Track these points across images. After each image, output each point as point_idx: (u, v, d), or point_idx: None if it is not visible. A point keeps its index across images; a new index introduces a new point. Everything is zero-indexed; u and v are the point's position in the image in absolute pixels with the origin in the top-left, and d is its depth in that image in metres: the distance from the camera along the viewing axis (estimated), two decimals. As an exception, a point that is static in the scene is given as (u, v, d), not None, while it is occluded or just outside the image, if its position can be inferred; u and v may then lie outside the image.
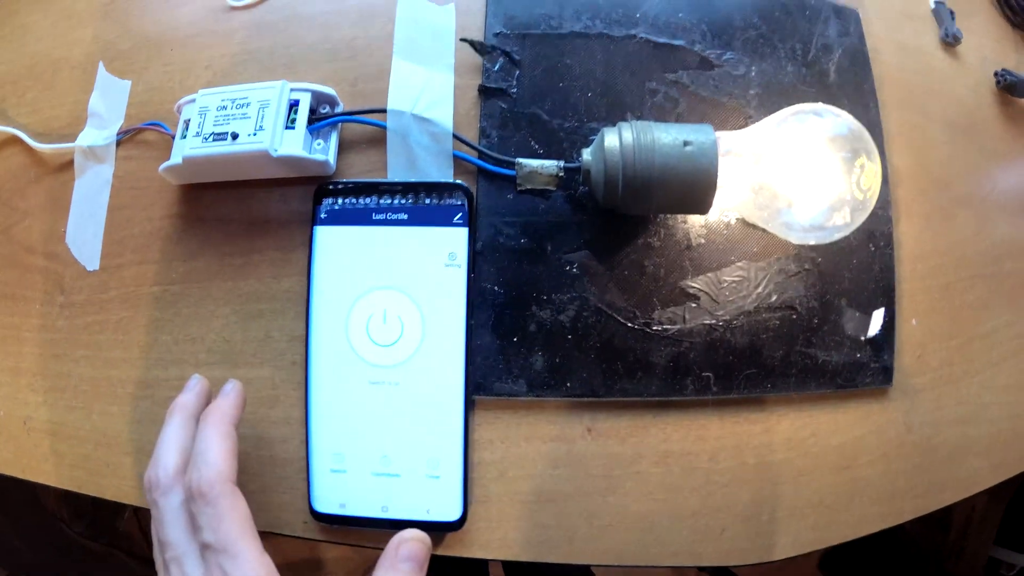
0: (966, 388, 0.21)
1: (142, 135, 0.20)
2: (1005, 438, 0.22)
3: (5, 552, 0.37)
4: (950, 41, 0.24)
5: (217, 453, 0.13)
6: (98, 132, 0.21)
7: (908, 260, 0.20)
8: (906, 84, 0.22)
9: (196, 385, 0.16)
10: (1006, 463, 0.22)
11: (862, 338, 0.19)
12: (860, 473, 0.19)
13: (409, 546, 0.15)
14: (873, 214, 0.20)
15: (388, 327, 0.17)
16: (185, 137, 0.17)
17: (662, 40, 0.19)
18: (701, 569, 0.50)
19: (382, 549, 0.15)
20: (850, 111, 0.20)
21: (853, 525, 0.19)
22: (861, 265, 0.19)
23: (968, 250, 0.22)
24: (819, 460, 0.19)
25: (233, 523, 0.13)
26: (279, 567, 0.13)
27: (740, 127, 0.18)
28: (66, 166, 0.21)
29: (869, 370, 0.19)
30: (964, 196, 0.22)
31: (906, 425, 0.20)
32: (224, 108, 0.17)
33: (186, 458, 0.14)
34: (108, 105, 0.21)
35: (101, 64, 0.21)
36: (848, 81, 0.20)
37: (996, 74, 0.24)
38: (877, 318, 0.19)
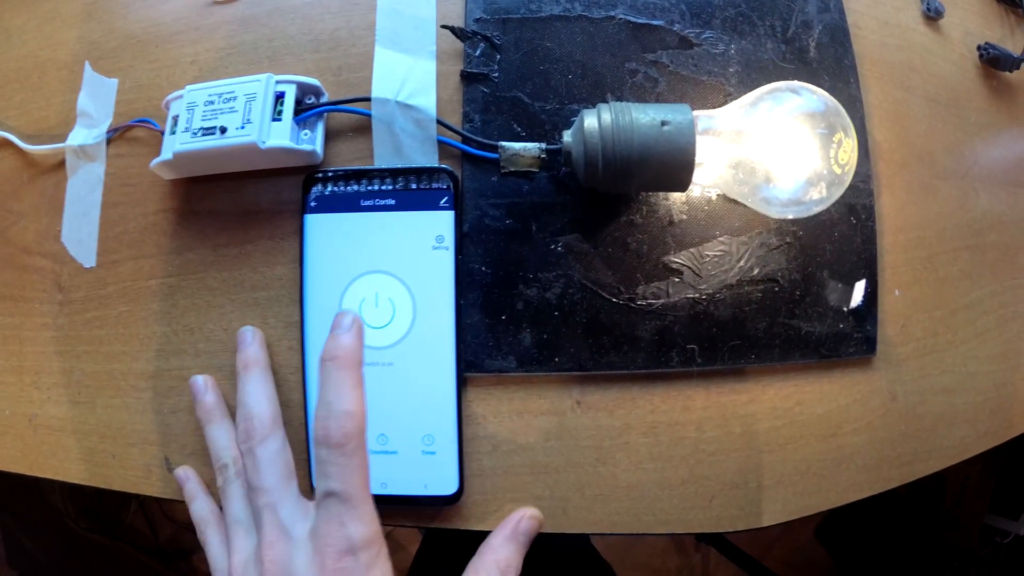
0: (951, 357, 0.22)
1: (132, 132, 0.21)
2: (991, 406, 0.23)
3: (14, 552, 0.39)
4: (932, 15, 0.24)
5: (354, 401, 0.14)
6: (88, 131, 0.21)
7: (890, 232, 0.21)
8: (887, 59, 0.23)
9: (256, 337, 0.17)
10: (992, 431, 0.23)
11: (845, 309, 0.20)
12: (846, 441, 0.20)
13: (528, 523, 0.16)
14: (854, 187, 0.21)
15: (380, 310, 0.17)
16: (174, 133, 0.18)
17: (641, 20, 0.20)
18: (698, 538, 0.52)
19: (387, 525, 0.16)
20: (831, 87, 0.21)
21: (840, 492, 0.20)
22: (843, 238, 0.20)
23: (951, 222, 0.23)
24: (805, 429, 0.20)
25: (364, 476, 0.14)
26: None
27: (720, 105, 0.19)
28: (58, 166, 0.22)
29: (852, 340, 0.20)
30: (947, 169, 0.23)
31: (891, 394, 0.21)
32: (211, 103, 0.18)
33: (275, 407, 0.15)
34: (96, 104, 0.21)
35: (87, 64, 0.22)
36: (828, 57, 0.21)
37: (979, 48, 0.25)
38: (859, 289, 0.20)
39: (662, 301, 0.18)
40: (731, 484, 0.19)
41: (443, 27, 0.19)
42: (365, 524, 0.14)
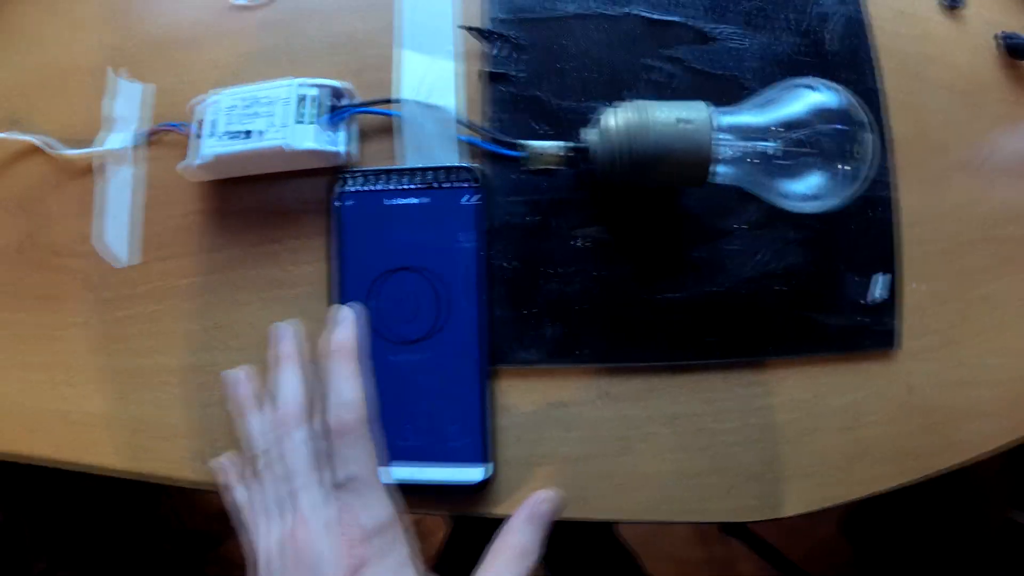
0: (968, 351, 0.22)
1: (159, 136, 0.22)
2: (1009, 400, 0.23)
3: (45, 542, 0.40)
4: (950, 5, 0.24)
5: (352, 391, 0.15)
6: (115, 136, 0.22)
7: (908, 225, 0.22)
8: (904, 50, 0.23)
9: (288, 332, 0.18)
10: (1011, 425, 0.23)
11: (862, 302, 0.20)
12: (864, 433, 0.21)
13: (546, 505, 0.17)
14: (873, 181, 0.21)
15: (408, 305, 0.18)
16: (202, 137, 0.19)
17: (658, 16, 0.20)
18: (722, 529, 0.52)
19: (412, 513, 0.17)
20: (848, 79, 0.21)
21: (859, 484, 0.21)
22: (860, 231, 0.21)
23: (969, 214, 0.23)
24: (822, 421, 0.20)
25: (369, 463, 0.14)
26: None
27: (737, 99, 0.19)
28: (86, 170, 0.23)
29: (870, 333, 0.20)
30: (964, 160, 0.23)
31: (908, 387, 0.21)
32: (239, 107, 0.19)
33: (308, 398, 0.16)
34: (123, 109, 0.22)
35: (110, 70, 0.23)
36: (846, 49, 0.22)
37: (997, 36, 0.25)
38: (877, 282, 0.21)
39: (681, 294, 0.19)
40: (750, 475, 0.20)
41: (462, 27, 0.20)
42: (376, 511, 0.14)
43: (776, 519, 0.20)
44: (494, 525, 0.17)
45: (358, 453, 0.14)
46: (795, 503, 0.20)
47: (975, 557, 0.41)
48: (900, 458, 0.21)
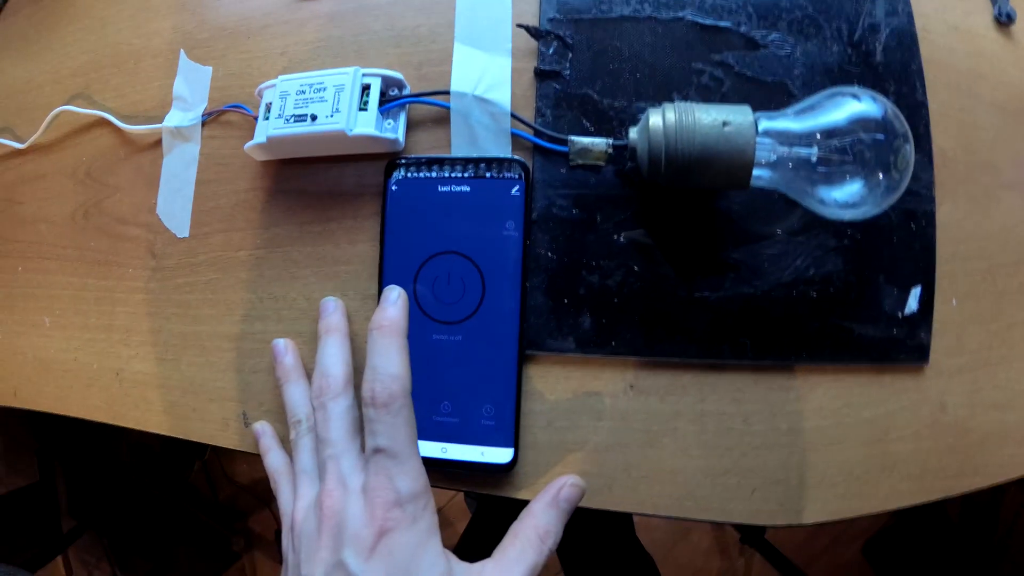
0: (1004, 373, 0.22)
1: (225, 116, 0.23)
2: (1045, 426, 0.23)
3: (76, 500, 0.42)
4: (1004, 20, 0.24)
5: (399, 365, 0.15)
6: (183, 114, 0.24)
7: (951, 241, 0.22)
8: (955, 66, 0.23)
9: (338, 306, 0.19)
10: (1045, 452, 0.23)
11: (899, 315, 0.20)
12: (891, 448, 0.21)
13: (569, 491, 0.17)
14: (916, 194, 0.21)
15: (451, 287, 0.19)
16: (268, 119, 0.20)
17: (708, 22, 0.21)
18: (742, 540, 0.51)
19: (441, 488, 0.18)
20: (896, 92, 0.21)
21: (882, 498, 0.21)
22: (901, 243, 0.21)
23: (1014, 235, 0.23)
24: (850, 431, 0.20)
25: (409, 433, 0.15)
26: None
27: (783, 106, 0.20)
28: (154, 145, 0.24)
29: (905, 347, 0.20)
30: (1012, 181, 0.23)
31: (940, 405, 0.21)
32: (303, 92, 0.20)
33: (349, 370, 0.17)
34: (191, 89, 0.24)
35: (182, 51, 0.25)
36: (895, 61, 0.22)
37: (1054, 55, 0.24)
38: (915, 296, 0.21)
39: (718, 294, 0.19)
40: (773, 479, 0.20)
41: (518, 26, 0.21)
42: (412, 479, 0.15)
43: (796, 525, 0.20)
44: (515, 514, 0.18)
45: (399, 423, 0.15)
46: (816, 511, 0.20)
47: None
48: (926, 476, 0.21)
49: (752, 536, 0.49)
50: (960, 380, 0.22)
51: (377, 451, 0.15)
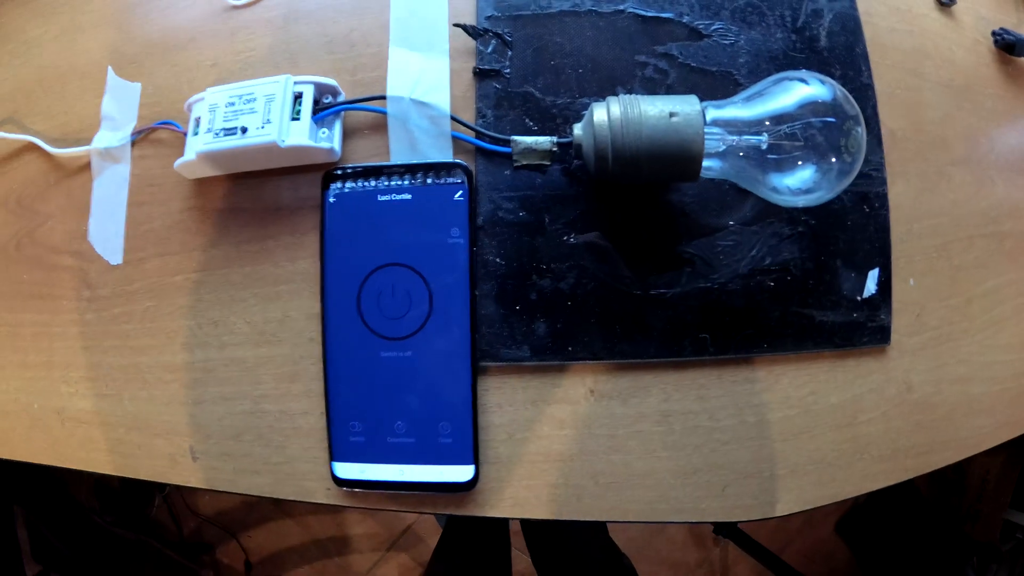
0: (967, 347, 0.22)
1: (155, 134, 0.22)
2: (1009, 396, 0.23)
3: (39, 545, 0.40)
4: (945, 1, 0.24)
5: None
6: (112, 134, 0.22)
7: (904, 221, 0.21)
8: (899, 46, 0.23)
9: None
10: (1010, 421, 0.23)
11: (858, 298, 0.20)
12: (861, 431, 0.20)
13: None
14: (867, 176, 0.21)
15: (397, 301, 0.18)
16: (197, 134, 0.19)
17: (650, 13, 0.20)
18: (716, 532, 0.52)
19: (401, 511, 0.17)
20: (842, 76, 0.21)
21: (856, 482, 0.20)
22: (855, 226, 0.20)
23: (966, 210, 0.23)
24: (818, 418, 0.20)
25: None
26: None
27: (730, 95, 0.19)
28: (83, 168, 0.23)
29: (866, 329, 0.20)
30: (961, 157, 0.23)
31: (906, 384, 0.21)
32: (232, 104, 0.19)
33: None
34: (120, 108, 0.22)
35: (110, 69, 0.23)
36: (839, 45, 0.21)
37: (994, 33, 0.25)
38: (873, 278, 0.20)
39: (674, 290, 0.19)
40: (745, 473, 0.19)
41: (455, 25, 0.20)
42: None
43: (771, 518, 0.20)
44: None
45: None
46: (791, 502, 0.20)
47: (972, 557, 0.40)
48: (897, 456, 0.21)
49: (725, 526, 0.49)
50: (923, 357, 0.21)
51: None
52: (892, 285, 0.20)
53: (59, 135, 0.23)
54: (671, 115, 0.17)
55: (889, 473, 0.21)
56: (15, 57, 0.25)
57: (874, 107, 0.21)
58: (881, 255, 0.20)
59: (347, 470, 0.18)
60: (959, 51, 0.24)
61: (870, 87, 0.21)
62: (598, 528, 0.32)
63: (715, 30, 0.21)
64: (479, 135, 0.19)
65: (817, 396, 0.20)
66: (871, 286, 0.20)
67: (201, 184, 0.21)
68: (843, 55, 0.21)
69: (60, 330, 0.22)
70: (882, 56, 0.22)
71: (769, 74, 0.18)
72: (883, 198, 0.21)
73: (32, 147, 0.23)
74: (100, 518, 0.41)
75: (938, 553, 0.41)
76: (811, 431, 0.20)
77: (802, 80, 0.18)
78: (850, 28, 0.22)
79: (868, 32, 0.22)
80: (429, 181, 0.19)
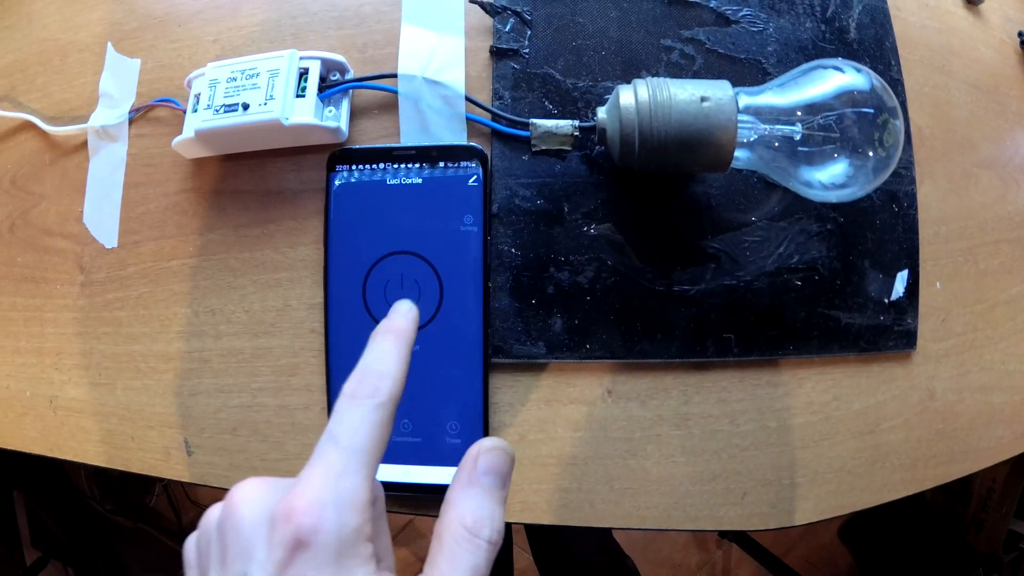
0: (990, 354, 0.20)
1: (154, 112, 0.20)
2: (1030, 405, 0.21)
3: (38, 532, 0.38)
4: (973, 0, 0.23)
5: (392, 365, 0.12)
6: (110, 112, 0.20)
7: (931, 223, 0.20)
8: (928, 42, 0.21)
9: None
10: (1030, 431, 0.21)
11: (886, 301, 0.18)
12: (882, 439, 0.19)
13: (489, 457, 0.11)
14: (896, 174, 0.19)
15: (405, 292, 0.16)
16: (196, 111, 0.17)
17: (677, -3, 0.19)
18: (720, 534, 0.50)
19: (404, 514, 0.15)
20: (871, 69, 0.19)
21: (875, 492, 0.19)
22: (884, 226, 0.19)
23: (992, 214, 0.21)
24: (841, 425, 0.18)
25: (372, 437, 0.11)
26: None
27: (758, 84, 0.18)
28: (80, 148, 0.21)
29: (892, 333, 0.18)
30: (987, 159, 0.22)
31: (929, 391, 0.19)
32: (234, 79, 0.17)
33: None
34: (118, 85, 0.21)
35: (109, 44, 0.21)
36: (868, 38, 0.20)
37: (1020, 34, 0.23)
38: (901, 280, 0.19)
39: (698, 287, 0.17)
40: (764, 480, 0.18)
41: (471, 1, 0.18)
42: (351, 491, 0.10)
43: (789, 527, 0.18)
44: None
45: (368, 420, 0.11)
46: (809, 511, 0.18)
47: (976, 567, 0.39)
48: (917, 465, 0.19)
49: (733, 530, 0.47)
50: (947, 364, 0.20)
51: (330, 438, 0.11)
52: (919, 288, 0.19)
53: (56, 113, 0.21)
54: (702, 99, 0.15)
55: (908, 483, 0.19)
56: (15, 31, 0.23)
57: (904, 103, 0.20)
58: (909, 257, 0.19)
59: (348, 469, 0.16)
60: (986, 50, 0.23)
61: (899, 82, 0.20)
62: (601, 528, 0.30)
63: (743, 16, 0.19)
64: (495, 117, 0.17)
65: (840, 402, 0.18)
66: (899, 288, 0.19)
67: (200, 165, 0.19)
68: (873, 48, 0.20)
69: (53, 315, 0.20)
70: (910, 51, 0.21)
71: (798, 64, 0.16)
72: (912, 197, 0.19)
73: (28, 125, 0.21)
74: (100, 505, 0.40)
75: (941, 562, 0.40)
76: (832, 438, 0.18)
77: (838, 68, 0.16)
78: (879, 21, 0.20)
79: (897, 26, 0.20)
80: (441, 165, 0.17)
